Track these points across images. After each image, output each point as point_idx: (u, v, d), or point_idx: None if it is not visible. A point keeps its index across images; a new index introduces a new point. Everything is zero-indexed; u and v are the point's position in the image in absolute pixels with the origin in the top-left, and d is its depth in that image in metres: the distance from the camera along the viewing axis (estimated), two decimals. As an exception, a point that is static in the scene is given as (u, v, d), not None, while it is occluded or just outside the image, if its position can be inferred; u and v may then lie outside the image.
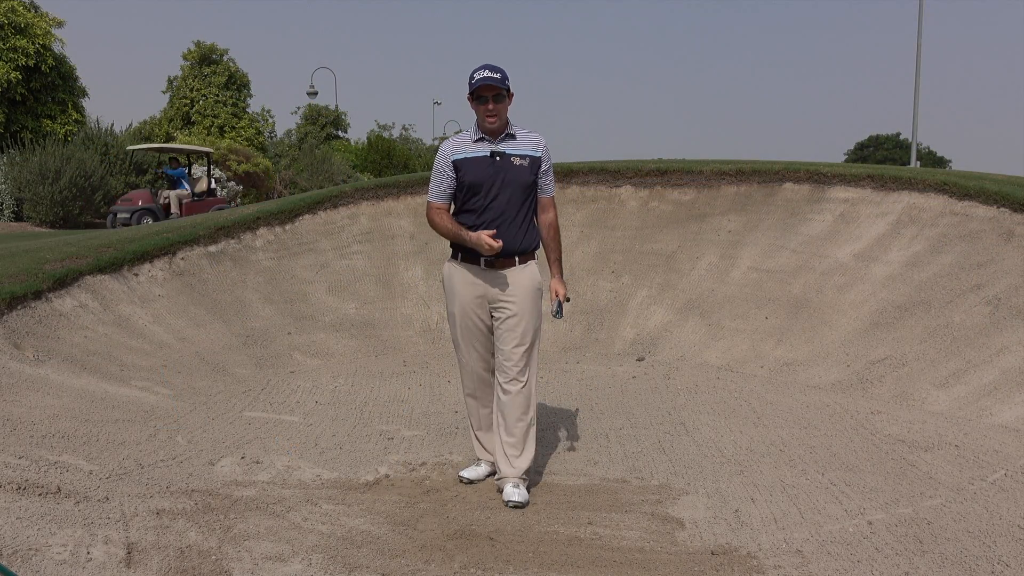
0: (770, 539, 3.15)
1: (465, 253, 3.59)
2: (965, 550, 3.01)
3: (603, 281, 7.55)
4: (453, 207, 3.64)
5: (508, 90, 3.49)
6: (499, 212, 3.52)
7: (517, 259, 3.58)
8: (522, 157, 3.55)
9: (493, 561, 2.94)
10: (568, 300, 3.75)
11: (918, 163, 28.55)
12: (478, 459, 3.87)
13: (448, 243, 3.69)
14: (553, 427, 4.64)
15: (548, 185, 3.66)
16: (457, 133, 3.71)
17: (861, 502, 3.47)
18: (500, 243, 3.42)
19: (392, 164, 31.11)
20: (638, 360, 6.30)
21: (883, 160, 53.16)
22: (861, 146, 60.03)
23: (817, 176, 7.99)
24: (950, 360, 5.30)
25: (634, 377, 5.77)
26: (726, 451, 4.18)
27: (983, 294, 5.74)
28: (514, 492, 3.51)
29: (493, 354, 3.68)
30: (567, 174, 8.92)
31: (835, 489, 3.62)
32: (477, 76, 3.45)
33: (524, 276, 3.58)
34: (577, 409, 4.99)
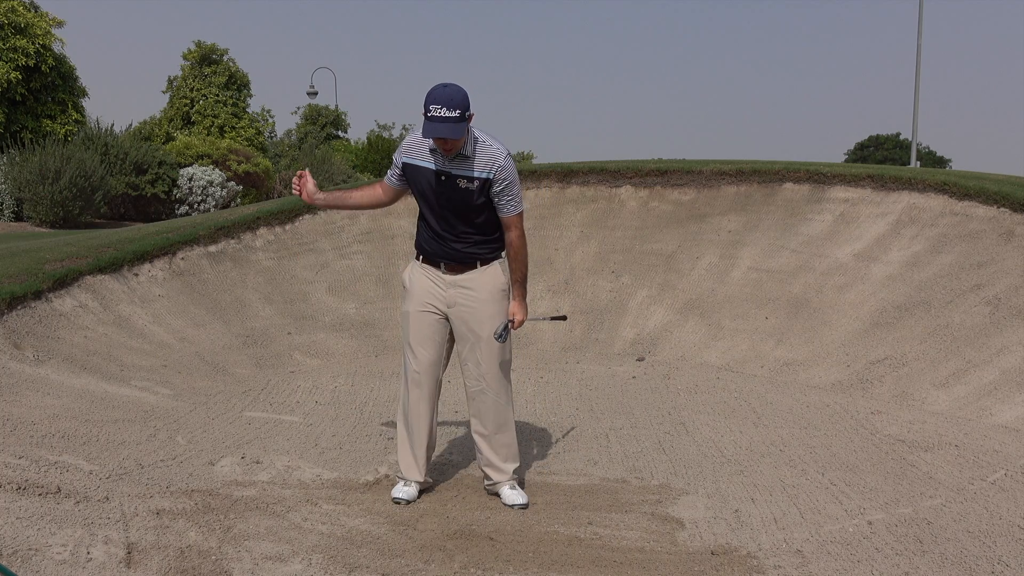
0: (770, 539, 3.15)
1: (426, 256, 3.49)
2: (965, 550, 3.01)
3: (603, 281, 7.55)
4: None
5: (466, 116, 3.17)
6: (446, 227, 3.40)
7: (478, 263, 3.46)
8: (469, 179, 3.28)
9: (493, 561, 2.94)
10: (514, 327, 3.49)
11: (918, 163, 28.55)
12: (407, 479, 3.58)
13: (411, 244, 3.64)
14: (553, 427, 4.64)
15: (507, 205, 3.36)
16: (416, 131, 3.36)
17: (861, 502, 3.47)
18: (298, 185, 3.60)
19: (392, 164, 31.07)
20: (638, 360, 6.30)
21: (883, 160, 53.13)
22: (861, 146, 59.97)
23: (817, 176, 7.99)
24: (950, 360, 5.30)
25: (634, 377, 5.77)
26: (726, 451, 4.18)
27: (983, 294, 5.74)
28: (515, 495, 3.51)
29: (444, 361, 3.56)
30: (567, 174, 8.92)
31: (835, 489, 3.62)
32: (430, 113, 3.13)
33: (487, 276, 3.46)
34: (577, 409, 4.99)
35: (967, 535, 3.14)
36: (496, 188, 3.32)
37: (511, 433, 3.59)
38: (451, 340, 3.58)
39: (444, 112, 3.11)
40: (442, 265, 3.46)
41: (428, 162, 3.35)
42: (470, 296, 3.44)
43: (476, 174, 3.29)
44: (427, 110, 3.14)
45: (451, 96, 3.12)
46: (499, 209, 3.38)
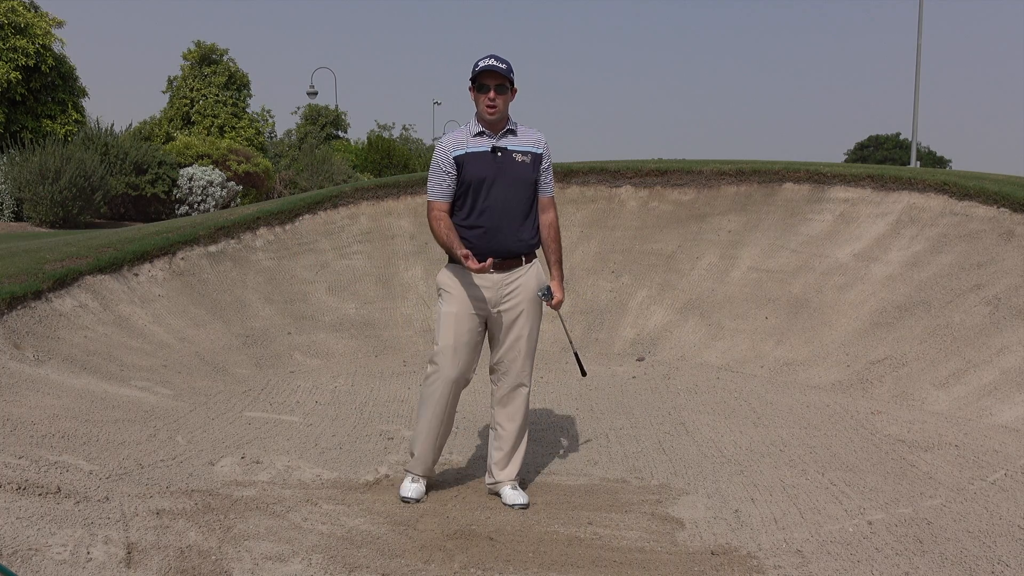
0: (770, 539, 3.15)
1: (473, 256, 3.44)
2: (965, 550, 3.01)
3: (603, 281, 7.55)
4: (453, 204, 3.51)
5: (511, 83, 3.40)
6: (500, 210, 3.41)
7: (523, 259, 3.52)
8: (524, 153, 3.45)
9: (493, 561, 2.94)
10: (553, 305, 3.56)
11: (918, 163, 28.55)
12: (415, 476, 3.59)
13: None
14: (553, 427, 4.64)
15: (548, 184, 3.56)
16: (455, 129, 3.58)
17: (861, 502, 3.47)
18: (487, 265, 3.30)
19: (392, 164, 31.07)
20: (638, 360, 6.30)
21: (883, 160, 53.13)
22: (861, 146, 59.99)
23: (817, 176, 7.99)
24: (950, 360, 5.30)
25: (634, 377, 5.77)
26: (726, 451, 4.18)
27: (983, 294, 5.74)
28: (517, 495, 3.51)
29: (476, 362, 3.58)
30: (567, 174, 8.91)
31: (835, 489, 3.62)
32: (481, 64, 3.36)
33: (531, 277, 3.51)
34: (577, 409, 4.99)
35: (967, 535, 3.14)
36: (544, 165, 3.54)
37: (526, 435, 3.64)
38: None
39: (493, 62, 3.37)
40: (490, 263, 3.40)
41: (478, 146, 3.42)
42: (514, 295, 3.48)
43: (529, 148, 3.48)
44: (476, 64, 3.38)
45: (501, 57, 3.40)
46: (541, 188, 3.56)
